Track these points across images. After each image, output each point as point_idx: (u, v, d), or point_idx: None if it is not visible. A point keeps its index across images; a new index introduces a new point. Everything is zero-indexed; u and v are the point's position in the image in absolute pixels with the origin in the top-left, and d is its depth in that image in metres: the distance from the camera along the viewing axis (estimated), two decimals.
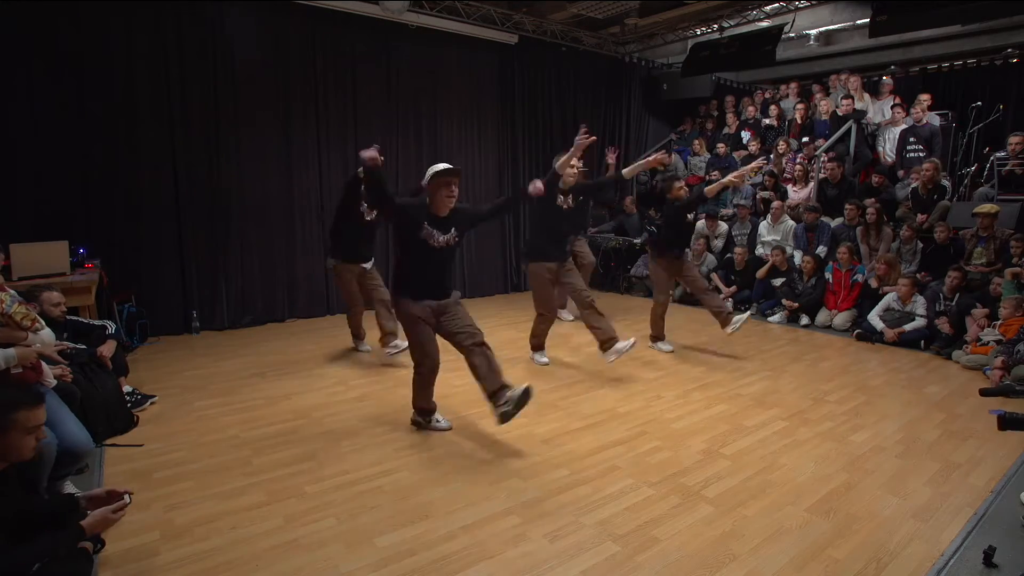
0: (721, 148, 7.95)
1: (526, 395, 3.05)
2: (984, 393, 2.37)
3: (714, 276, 7.04)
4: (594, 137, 3.91)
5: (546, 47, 7.68)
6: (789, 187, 7.19)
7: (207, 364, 4.64)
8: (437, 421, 3.44)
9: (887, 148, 6.98)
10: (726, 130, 8.44)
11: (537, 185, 3.41)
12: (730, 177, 5.12)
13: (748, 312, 5.32)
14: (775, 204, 6.82)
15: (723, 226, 7.35)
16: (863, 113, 7.06)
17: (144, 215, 5.23)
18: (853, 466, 3.02)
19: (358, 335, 4.98)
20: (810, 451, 3.19)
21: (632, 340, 4.28)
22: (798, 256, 6.44)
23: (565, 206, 4.36)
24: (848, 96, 7.04)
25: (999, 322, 4.66)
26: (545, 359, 4.72)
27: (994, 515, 2.55)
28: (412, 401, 3.42)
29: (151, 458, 3.04)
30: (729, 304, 6.77)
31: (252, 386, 4.14)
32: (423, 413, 3.42)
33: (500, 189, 7.72)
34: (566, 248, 4.58)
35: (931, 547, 2.33)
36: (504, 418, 3.07)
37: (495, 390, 3.10)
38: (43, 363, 2.66)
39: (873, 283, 5.78)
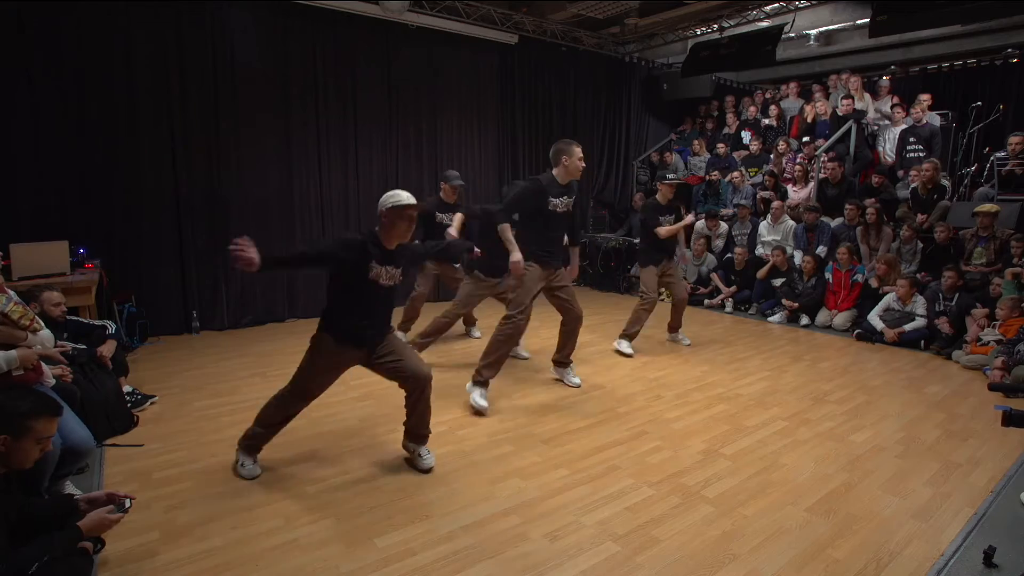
0: (721, 148, 7.95)
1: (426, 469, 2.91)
2: (993, 388, 2.51)
3: (714, 276, 7.04)
4: None
5: (546, 47, 7.68)
6: (789, 187, 7.19)
7: (207, 364, 4.64)
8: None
9: (887, 148, 6.98)
10: (726, 130, 8.45)
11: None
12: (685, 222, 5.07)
13: (687, 342, 5.18)
14: (775, 204, 6.82)
15: (723, 226, 7.35)
16: (863, 113, 7.06)
17: (144, 215, 5.23)
18: (853, 466, 3.02)
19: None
20: (810, 451, 3.19)
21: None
22: (798, 256, 6.44)
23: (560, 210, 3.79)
24: (848, 96, 7.05)
25: (999, 322, 4.66)
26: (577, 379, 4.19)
27: (994, 515, 2.55)
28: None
29: (151, 458, 3.04)
30: (729, 304, 6.78)
31: (252, 386, 4.14)
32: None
33: (500, 188, 7.71)
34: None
35: (931, 547, 2.33)
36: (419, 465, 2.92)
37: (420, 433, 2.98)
38: (42, 363, 2.66)
39: (873, 283, 5.78)
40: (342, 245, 2.67)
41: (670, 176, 5.05)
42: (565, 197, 3.74)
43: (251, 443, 2.89)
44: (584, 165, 3.72)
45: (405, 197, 2.69)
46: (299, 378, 2.80)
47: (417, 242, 3.25)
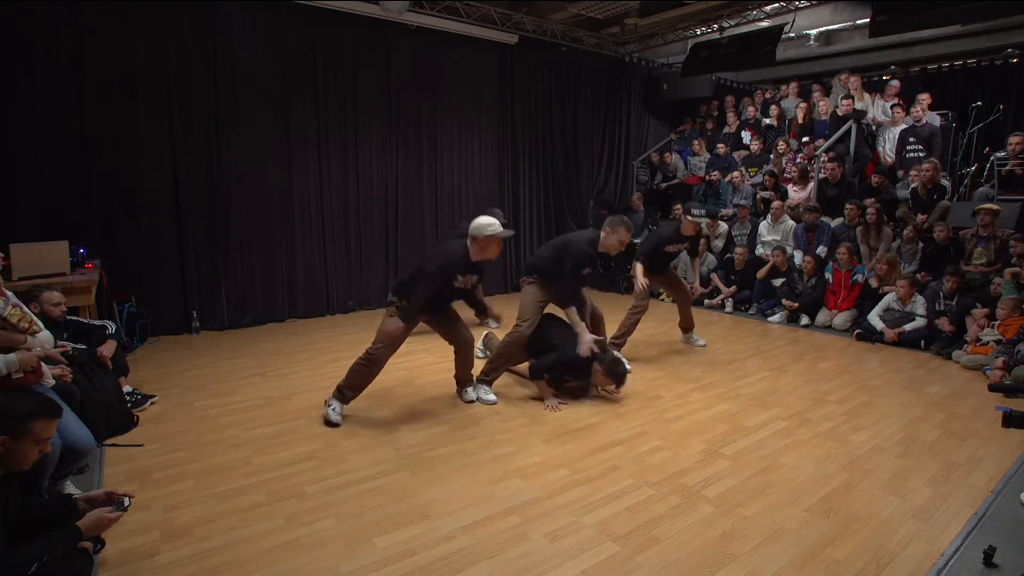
0: (721, 148, 7.95)
1: None
2: (993, 388, 2.53)
3: (714, 276, 7.04)
4: None
5: (546, 47, 7.68)
6: (789, 187, 7.19)
7: (207, 364, 4.64)
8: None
9: (887, 148, 6.98)
10: (726, 130, 8.45)
11: None
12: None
13: (702, 343, 5.22)
14: (775, 204, 6.82)
15: (723, 226, 7.34)
16: (863, 113, 7.06)
17: (144, 215, 5.23)
18: (853, 466, 3.02)
19: None
20: (810, 451, 3.19)
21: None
22: (798, 256, 6.44)
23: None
24: (848, 96, 7.05)
25: (998, 322, 4.66)
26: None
27: (994, 515, 2.55)
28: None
29: (151, 458, 3.04)
30: (729, 304, 6.79)
31: (252, 386, 4.14)
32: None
33: (500, 189, 7.73)
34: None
35: (931, 547, 2.33)
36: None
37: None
38: (42, 364, 2.65)
39: (873, 283, 5.78)
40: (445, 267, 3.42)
41: (695, 212, 4.96)
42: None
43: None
44: (622, 244, 3.92)
45: (499, 225, 3.37)
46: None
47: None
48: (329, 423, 3.43)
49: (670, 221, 5.51)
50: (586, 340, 3.78)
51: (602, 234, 3.90)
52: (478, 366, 4.02)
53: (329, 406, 3.48)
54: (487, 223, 3.37)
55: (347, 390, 3.49)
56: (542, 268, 3.93)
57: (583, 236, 3.99)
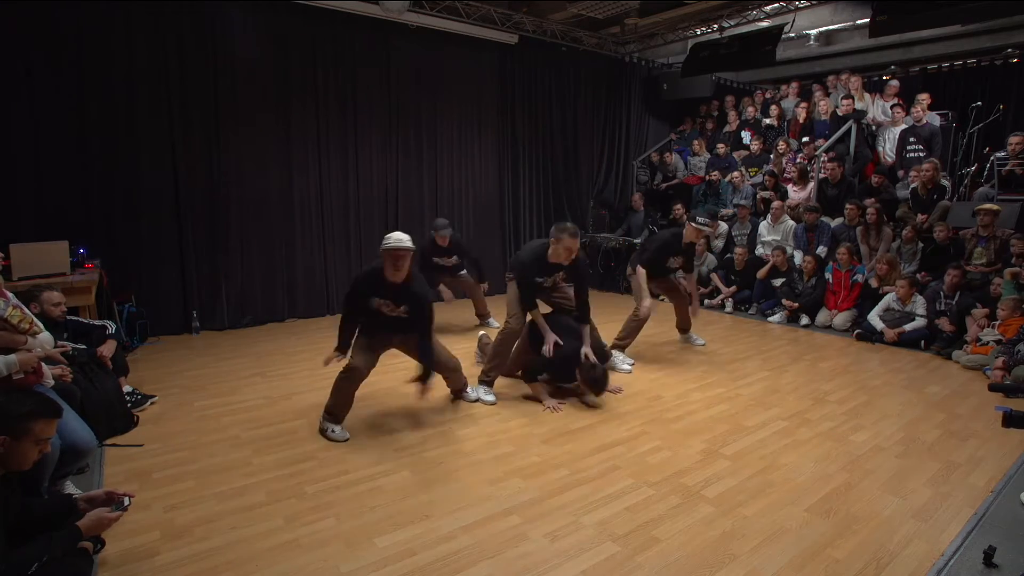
0: (721, 148, 7.95)
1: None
2: (993, 388, 2.55)
3: (714, 276, 7.04)
4: None
5: (546, 47, 7.67)
6: (789, 187, 7.19)
7: (207, 364, 4.64)
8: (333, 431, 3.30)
9: (887, 148, 6.98)
10: (726, 130, 8.45)
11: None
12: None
13: (702, 343, 5.27)
14: (775, 204, 6.82)
15: (723, 226, 7.34)
16: (863, 113, 7.06)
17: (144, 215, 5.23)
18: (853, 466, 3.02)
19: None
20: (810, 451, 3.19)
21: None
22: (798, 256, 6.44)
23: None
24: (848, 96, 7.05)
25: (998, 322, 4.67)
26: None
27: (994, 515, 2.55)
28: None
29: (151, 458, 3.04)
30: (729, 304, 6.79)
31: (252, 386, 4.14)
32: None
33: (500, 189, 7.73)
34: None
35: (931, 547, 2.33)
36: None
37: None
38: (43, 364, 2.65)
39: (873, 283, 5.78)
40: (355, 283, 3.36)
41: (701, 220, 4.74)
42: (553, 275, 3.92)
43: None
44: (569, 251, 3.69)
45: (394, 239, 3.13)
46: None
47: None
48: (338, 442, 3.25)
49: (671, 227, 5.45)
50: (549, 340, 3.72)
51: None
52: (476, 368, 4.04)
53: (328, 431, 3.27)
54: (388, 236, 3.15)
55: (337, 409, 3.31)
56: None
57: (532, 247, 3.86)
